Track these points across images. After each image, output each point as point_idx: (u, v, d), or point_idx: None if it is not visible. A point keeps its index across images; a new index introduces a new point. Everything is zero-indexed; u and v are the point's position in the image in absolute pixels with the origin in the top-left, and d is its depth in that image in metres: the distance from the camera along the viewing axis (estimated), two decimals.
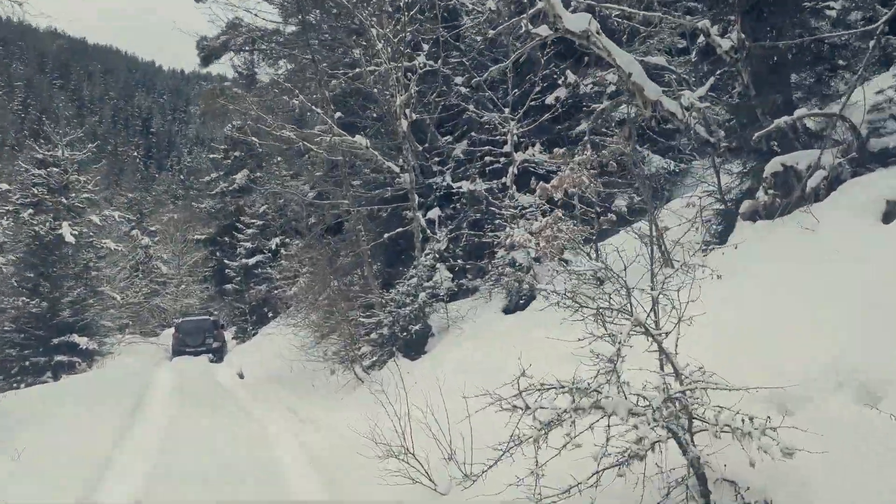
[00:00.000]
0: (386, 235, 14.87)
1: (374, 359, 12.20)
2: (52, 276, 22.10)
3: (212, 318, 26.47)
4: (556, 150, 10.21)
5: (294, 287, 23.36)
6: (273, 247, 26.50)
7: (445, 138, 15.64)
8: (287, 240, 25.23)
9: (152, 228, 40.80)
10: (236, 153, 33.27)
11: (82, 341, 22.03)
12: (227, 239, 33.07)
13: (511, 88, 13.24)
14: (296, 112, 18.02)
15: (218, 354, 24.50)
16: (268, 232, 27.07)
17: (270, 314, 26.50)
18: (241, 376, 19.71)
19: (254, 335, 26.24)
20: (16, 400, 11.44)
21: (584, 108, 13.46)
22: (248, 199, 31.48)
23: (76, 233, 22.17)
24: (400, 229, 15.12)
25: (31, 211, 22.65)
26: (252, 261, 26.97)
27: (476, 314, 11.52)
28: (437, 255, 12.84)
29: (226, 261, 29.87)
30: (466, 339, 10.38)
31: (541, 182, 9.62)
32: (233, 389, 16.08)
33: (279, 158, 26.73)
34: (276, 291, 23.41)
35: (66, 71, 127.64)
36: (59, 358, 21.54)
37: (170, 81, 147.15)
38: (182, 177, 71.05)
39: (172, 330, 25.85)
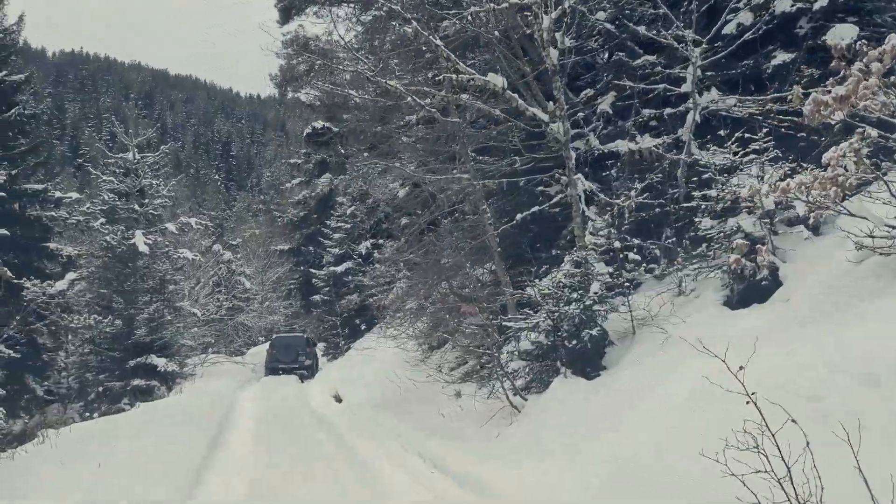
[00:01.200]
0: (519, 217, 11.43)
1: (529, 377, 8.70)
2: (126, 291, 19.64)
3: (305, 336, 25.10)
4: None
5: (391, 294, 20.21)
6: (363, 251, 23.50)
7: (585, 92, 12.10)
8: (380, 241, 22.18)
9: (234, 242, 38.66)
10: (317, 156, 30.61)
11: (160, 363, 19.43)
12: (311, 248, 30.40)
13: (690, 5, 9.67)
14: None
15: (310, 372, 23.32)
16: (356, 236, 24.11)
17: (364, 326, 23.45)
18: (339, 400, 16.60)
19: (346, 350, 23.23)
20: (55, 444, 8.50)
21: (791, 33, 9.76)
22: (333, 202, 28.74)
23: (150, 242, 19.68)
24: (536, 209, 11.65)
25: (102, 220, 20.31)
26: (341, 268, 24.03)
27: (677, 311, 7.89)
28: (602, 234, 9.31)
29: (312, 270, 27.07)
30: (683, 352, 6.78)
31: (813, 95, 5.99)
32: (331, 420, 12.88)
33: (366, 153, 23.79)
34: (370, 300, 20.32)
35: (149, 101, 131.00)
36: (136, 382, 18.99)
37: (247, 107, 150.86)
38: (262, 195, 69.97)
39: (266, 346, 25.41)
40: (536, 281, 9.51)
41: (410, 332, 16.52)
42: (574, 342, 8.26)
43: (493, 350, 10.34)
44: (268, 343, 25.92)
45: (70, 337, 20.78)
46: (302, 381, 24.82)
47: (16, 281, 20.60)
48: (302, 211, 31.41)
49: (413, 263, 17.41)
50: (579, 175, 9.69)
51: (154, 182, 20.76)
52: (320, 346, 28.78)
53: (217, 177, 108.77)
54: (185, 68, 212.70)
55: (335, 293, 23.58)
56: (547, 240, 12.26)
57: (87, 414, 19.05)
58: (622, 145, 10.87)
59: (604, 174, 11.25)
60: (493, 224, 11.71)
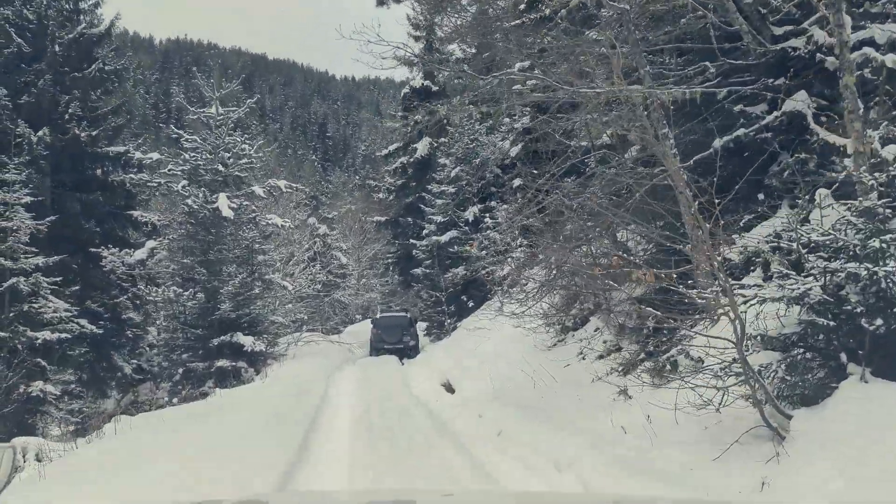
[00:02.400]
0: (718, 143, 7.90)
1: (793, 379, 5.21)
2: (209, 261, 17.28)
3: (407, 315, 24.41)
4: None
5: (506, 264, 16.98)
6: (470, 218, 20.34)
7: None
8: (492, 203, 18.99)
9: (329, 216, 36.45)
10: (416, 118, 27.60)
11: (247, 341, 16.97)
12: (409, 219, 27.55)
13: None
14: None
15: (413, 352, 22.43)
16: (462, 200, 20.97)
17: (471, 303, 20.34)
18: (450, 389, 13.58)
19: (452, 330, 20.23)
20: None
21: None
22: (434, 167, 25.73)
23: (235, 206, 17.22)
24: (741, 131, 8.07)
25: (184, 183, 18.01)
26: (445, 237, 20.98)
27: None
28: None
29: (412, 241, 24.18)
30: None
31: None
32: (451, 423, 9.76)
33: (471, 104, 20.63)
34: (481, 272, 17.15)
35: (249, 84, 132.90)
36: (220, 363, 16.61)
37: (342, 88, 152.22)
38: (357, 172, 68.28)
39: (368, 325, 25.31)
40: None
41: (537, 308, 13.24)
42: (879, 323, 4.77)
43: (682, 328, 6.96)
44: (370, 322, 25.46)
45: (159, 312, 18.71)
46: (402, 363, 22.09)
47: (93, 250, 18.69)
48: (399, 179, 28.58)
49: (539, 227, 14.09)
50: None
51: (239, 139, 18.26)
52: (421, 325, 26.02)
53: (314, 157, 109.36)
54: (282, 52, 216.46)
55: (439, 266, 20.55)
56: (748, 180, 8.66)
57: (167, 399, 16.88)
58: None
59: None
60: (676, 156, 8.21)
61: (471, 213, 20.18)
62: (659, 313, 6.53)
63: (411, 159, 27.75)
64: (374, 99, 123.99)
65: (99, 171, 20.46)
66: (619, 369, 9.70)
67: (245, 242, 17.85)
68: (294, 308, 23.36)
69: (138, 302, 19.96)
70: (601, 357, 10.61)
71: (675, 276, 7.55)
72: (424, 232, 22.73)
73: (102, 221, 20.27)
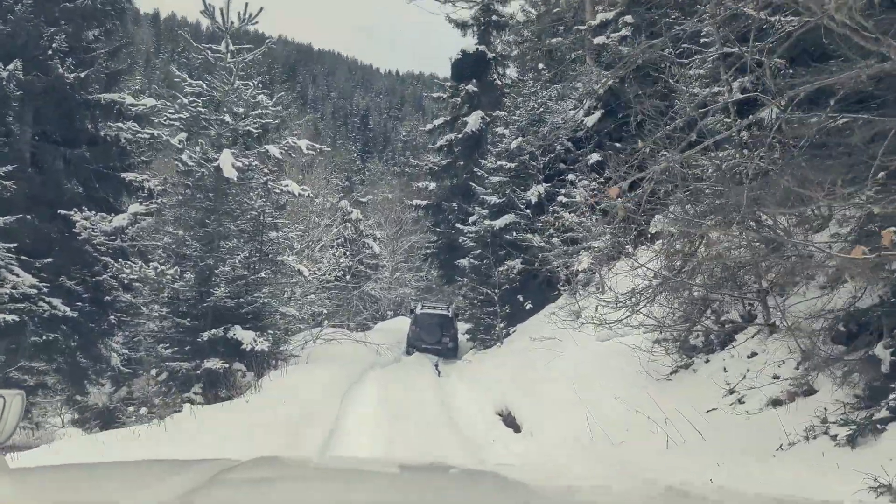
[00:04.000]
0: None
1: None
2: (205, 234, 13.45)
3: (449, 313, 22.00)
4: None
5: (585, 257, 12.82)
6: (533, 199, 16.18)
7: None
8: (569, 177, 14.82)
9: (363, 200, 32.61)
10: (467, 87, 23.54)
11: (246, 337, 13.04)
12: (455, 204, 23.47)
13: None
14: None
15: (452, 354, 20.59)
16: (524, 178, 16.80)
17: (529, 304, 16.17)
18: (512, 423, 9.49)
19: (505, 336, 16.09)
20: None
21: None
22: (486, 143, 21.66)
23: (241, 165, 13.36)
24: None
25: (183, 136, 14.19)
26: (500, 222, 16.82)
27: None
28: None
29: (458, 226, 20.11)
30: None
31: None
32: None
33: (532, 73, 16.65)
34: (553, 265, 13.02)
35: (292, 74, 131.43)
36: (209, 364, 12.72)
37: (385, 82, 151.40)
38: (396, 160, 64.70)
39: (408, 322, 23.31)
40: None
41: (640, 317, 9.06)
42: None
43: None
44: (410, 316, 23.43)
45: (144, 294, 14.95)
46: (438, 371, 18.05)
47: (63, 212, 15.01)
48: (445, 158, 24.54)
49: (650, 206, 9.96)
50: None
51: (252, 85, 14.37)
52: (461, 326, 21.98)
53: (353, 147, 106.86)
54: (328, 44, 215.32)
55: (492, 256, 16.40)
56: None
57: (134, 410, 13.06)
58: None
59: None
60: None
61: (534, 193, 16.01)
62: None
63: (459, 135, 23.68)
64: (418, 94, 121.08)
65: (89, 124, 16.82)
66: (829, 431, 5.51)
67: (253, 213, 13.96)
68: (314, 299, 19.49)
69: (127, 281, 16.24)
70: (777, 404, 6.40)
71: None
72: (473, 219, 18.63)
73: (88, 183, 16.61)
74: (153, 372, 13.06)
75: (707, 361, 7.93)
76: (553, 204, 15.34)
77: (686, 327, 8.53)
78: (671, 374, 8.22)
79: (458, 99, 23.86)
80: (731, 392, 6.92)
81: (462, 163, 23.34)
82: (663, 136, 7.79)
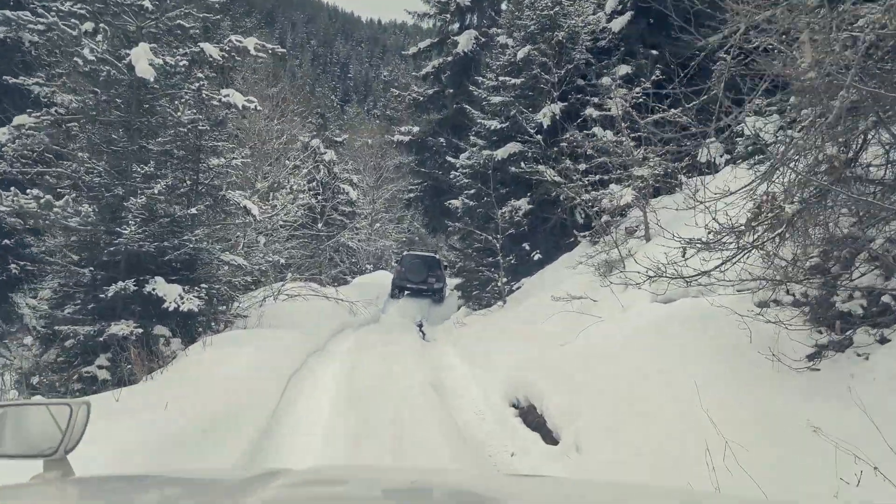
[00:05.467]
0: None
1: None
2: (113, 155, 9.91)
3: (437, 256, 21.67)
4: None
5: (628, 189, 9.48)
6: (545, 123, 12.70)
7: None
8: (604, 80, 11.34)
9: (339, 139, 28.90)
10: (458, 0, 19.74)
11: (170, 293, 9.66)
12: (442, 140, 19.89)
13: None
14: None
15: (439, 297, 20.68)
16: (534, 96, 13.28)
17: (537, 254, 12.84)
18: (545, 431, 6.24)
19: (508, 293, 12.74)
20: None
21: None
22: (479, 67, 18.04)
23: (163, 63, 9.78)
24: None
25: (88, 25, 10.47)
26: (502, 152, 13.33)
27: None
28: None
29: (448, 159, 16.60)
30: None
31: None
32: None
33: None
34: (574, 201, 9.67)
35: (270, 19, 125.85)
36: (117, 328, 9.32)
37: (367, 30, 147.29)
38: (377, 106, 60.77)
39: (395, 265, 23.18)
40: None
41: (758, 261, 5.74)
42: None
43: None
44: (397, 260, 22.65)
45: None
46: (422, 334, 14.85)
47: None
48: (431, 87, 20.85)
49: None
50: None
51: None
52: (451, 283, 18.76)
53: (333, 96, 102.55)
54: None
55: (493, 192, 12.94)
56: None
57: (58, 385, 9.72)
58: None
59: None
60: None
61: (546, 114, 12.51)
62: None
63: (448, 59, 19.99)
64: (401, 43, 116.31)
65: None
66: None
67: (181, 130, 10.37)
68: (278, 248, 16.08)
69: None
70: None
71: None
72: (465, 156, 15.14)
73: None
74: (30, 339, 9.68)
75: (882, 340, 4.66)
76: (572, 125, 11.91)
77: (827, 280, 5.23)
78: (812, 359, 4.96)
79: (448, 15, 20.11)
80: None
81: (451, 91, 19.71)
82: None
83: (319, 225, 24.33)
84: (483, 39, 19.49)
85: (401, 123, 28.32)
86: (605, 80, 10.89)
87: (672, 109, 9.11)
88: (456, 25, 20.26)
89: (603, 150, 9.45)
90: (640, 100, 9.71)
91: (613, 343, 6.73)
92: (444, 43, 20.57)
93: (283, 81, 24.02)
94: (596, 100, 11.50)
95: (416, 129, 22.36)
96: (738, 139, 8.85)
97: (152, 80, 9.65)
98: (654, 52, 12.15)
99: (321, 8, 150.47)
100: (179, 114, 10.19)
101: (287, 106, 21.84)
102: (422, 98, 20.78)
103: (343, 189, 26.50)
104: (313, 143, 25.27)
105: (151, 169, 9.84)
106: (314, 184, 24.64)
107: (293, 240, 19.28)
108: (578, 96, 12.85)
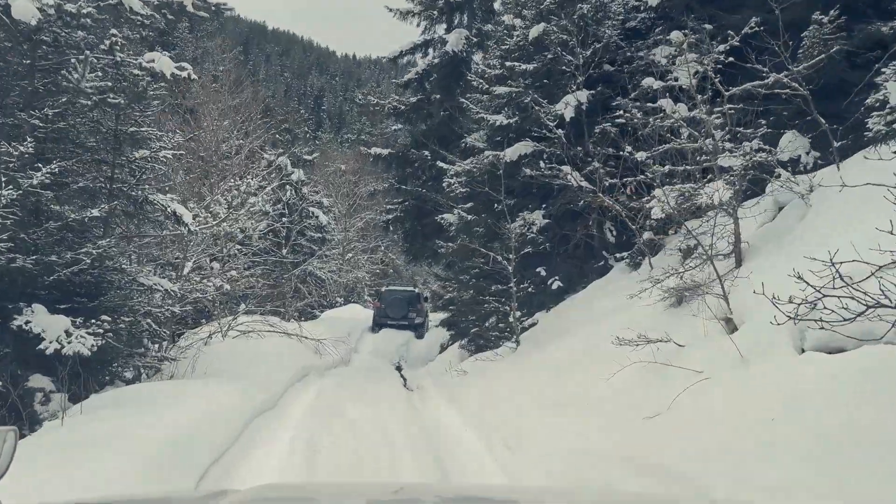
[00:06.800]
0: None
1: None
2: None
3: (417, 290, 21.73)
4: None
5: (723, 184, 6.57)
6: (570, 113, 9.90)
7: None
8: (657, 51, 8.63)
9: (309, 158, 25.97)
10: None
11: (53, 327, 6.60)
12: (427, 153, 17.05)
13: None
14: None
15: (419, 331, 20.08)
16: (550, 87, 10.48)
17: (556, 283, 9.92)
18: None
19: (521, 331, 9.70)
20: None
21: None
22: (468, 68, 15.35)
23: (57, 3, 6.85)
24: None
25: None
26: (512, 152, 10.44)
27: None
28: None
29: (440, 164, 13.73)
30: None
31: None
32: None
33: None
34: (620, 209, 6.84)
35: (245, 51, 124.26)
36: None
37: (342, 64, 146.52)
38: (350, 128, 58.24)
39: (369, 299, 23.02)
40: None
41: None
42: None
43: None
44: (375, 296, 22.65)
45: None
46: (405, 383, 11.84)
47: None
48: (414, 95, 18.08)
49: None
50: None
51: None
52: (440, 317, 15.82)
53: (306, 128, 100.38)
54: (283, 23, 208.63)
55: (504, 198, 9.94)
56: None
57: None
58: None
59: None
60: None
61: (568, 102, 9.74)
62: None
63: (436, 61, 17.28)
64: (375, 78, 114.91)
65: None
66: None
67: (87, 102, 7.37)
68: (222, 275, 12.95)
69: None
70: None
71: None
72: (465, 145, 12.28)
73: None
74: None
75: None
76: (603, 119, 9.15)
77: None
78: None
79: (435, 12, 17.47)
80: None
81: (439, 97, 16.95)
82: None
83: (284, 251, 21.20)
84: (475, 40, 16.88)
85: (376, 145, 25.58)
86: (661, 50, 8.15)
87: (775, 74, 6.37)
88: (443, 26, 17.64)
89: (672, 131, 6.67)
90: (710, 72, 6.98)
91: (749, 421, 3.81)
92: (429, 46, 17.92)
93: (246, 90, 21.09)
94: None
95: (399, 134, 19.73)
96: (868, 118, 6.17)
97: (35, 23, 6.66)
98: (708, 26, 9.50)
99: (296, 41, 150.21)
100: (78, 76, 7.16)
101: (248, 114, 18.91)
102: (403, 107, 17.99)
103: (312, 213, 23.48)
104: (280, 161, 22.27)
105: (30, 150, 6.77)
106: (280, 205, 21.59)
107: (255, 266, 16.17)
108: (607, 86, 10.13)
